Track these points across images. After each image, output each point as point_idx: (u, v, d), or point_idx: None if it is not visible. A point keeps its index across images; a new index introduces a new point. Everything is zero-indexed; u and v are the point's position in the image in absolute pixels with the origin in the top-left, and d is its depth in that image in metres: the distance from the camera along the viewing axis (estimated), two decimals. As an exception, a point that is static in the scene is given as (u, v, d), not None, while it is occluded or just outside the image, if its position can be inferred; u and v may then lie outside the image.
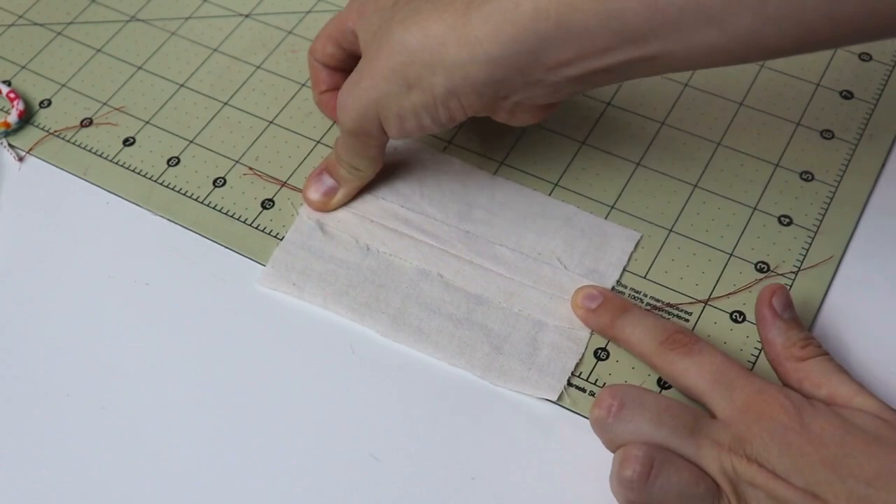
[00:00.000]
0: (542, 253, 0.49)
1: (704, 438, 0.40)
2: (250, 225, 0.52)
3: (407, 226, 0.51)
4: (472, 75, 0.43)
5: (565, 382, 0.46)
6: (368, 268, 0.49)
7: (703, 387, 0.42)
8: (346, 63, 0.52)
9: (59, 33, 0.61)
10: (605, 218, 0.51)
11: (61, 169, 0.55)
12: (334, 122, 0.55)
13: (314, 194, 0.51)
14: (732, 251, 0.50)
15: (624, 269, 0.49)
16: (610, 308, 0.46)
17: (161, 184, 0.54)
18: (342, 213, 0.51)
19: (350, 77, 0.47)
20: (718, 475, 0.39)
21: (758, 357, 0.46)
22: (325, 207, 0.51)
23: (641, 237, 0.50)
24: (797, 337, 0.43)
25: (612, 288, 0.49)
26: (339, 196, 0.51)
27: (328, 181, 0.51)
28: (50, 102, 0.58)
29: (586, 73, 0.43)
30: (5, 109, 0.58)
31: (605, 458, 0.43)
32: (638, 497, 0.39)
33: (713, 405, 0.41)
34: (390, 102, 0.45)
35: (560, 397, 0.45)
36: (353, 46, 0.50)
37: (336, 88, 0.53)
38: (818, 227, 0.50)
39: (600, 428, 0.41)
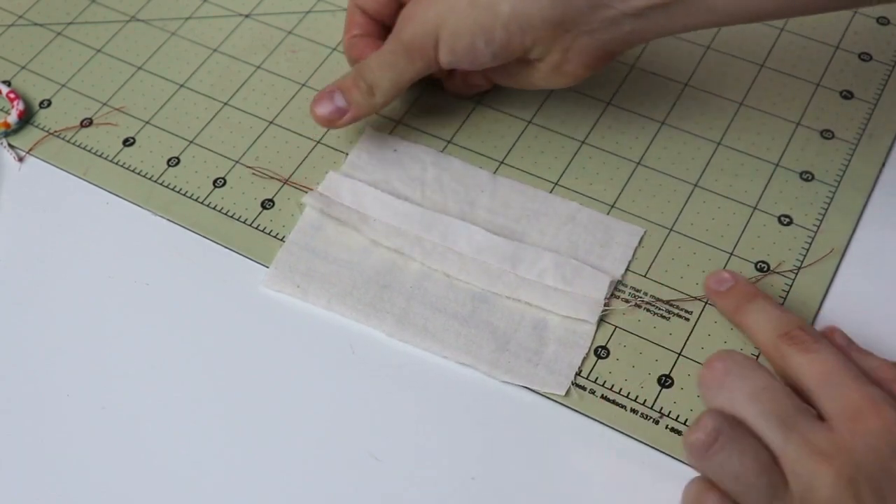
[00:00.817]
0: (545, 250, 0.49)
1: (796, 434, 0.36)
2: (250, 225, 0.52)
3: (409, 224, 0.51)
4: None
5: (573, 378, 0.46)
6: (372, 268, 0.49)
7: (810, 385, 0.39)
8: (387, 9, 0.52)
9: (59, 33, 0.61)
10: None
11: (61, 169, 0.55)
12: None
13: (322, 110, 0.51)
14: (732, 250, 0.50)
15: (629, 265, 0.49)
16: (738, 293, 0.46)
17: (161, 184, 0.54)
18: (344, 213, 0.51)
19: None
20: (794, 477, 0.36)
21: (757, 357, 0.46)
22: (330, 125, 0.51)
23: (645, 232, 0.50)
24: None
25: (617, 284, 0.49)
26: (346, 119, 0.51)
27: (339, 101, 0.50)
28: (50, 102, 0.58)
29: (650, 5, 0.44)
30: (5, 109, 0.58)
31: (605, 458, 0.43)
32: (697, 464, 0.38)
33: (819, 405, 0.38)
34: (451, 18, 0.46)
35: (567, 393, 0.45)
36: None
37: (370, 36, 0.53)
38: (818, 227, 0.50)
39: (704, 389, 0.40)
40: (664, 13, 0.45)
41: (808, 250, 0.50)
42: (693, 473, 0.40)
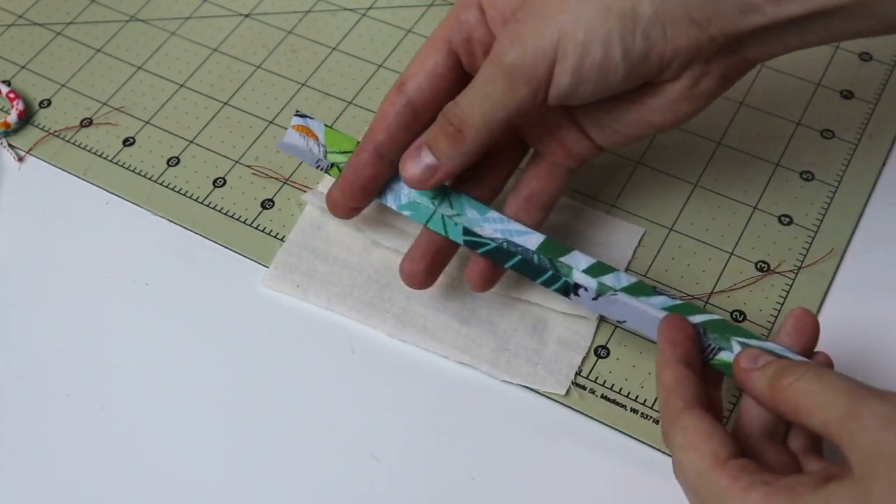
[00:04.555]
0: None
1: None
2: (250, 225, 0.52)
3: (409, 224, 0.51)
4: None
5: (573, 377, 0.46)
6: (372, 268, 0.49)
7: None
8: (440, 86, 0.43)
9: (59, 33, 0.61)
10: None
11: (61, 169, 0.55)
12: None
13: (412, 170, 0.43)
14: (733, 250, 0.50)
15: (628, 265, 0.49)
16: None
17: (161, 184, 0.54)
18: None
19: (517, 16, 0.40)
20: None
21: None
22: (425, 186, 0.43)
23: (645, 232, 0.50)
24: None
25: None
26: (438, 177, 0.43)
27: (427, 157, 0.43)
28: (50, 102, 0.58)
29: (805, 13, 0.38)
30: (5, 109, 0.58)
31: (605, 458, 0.43)
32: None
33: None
34: (579, 29, 0.39)
35: (567, 392, 0.45)
36: (471, 34, 0.42)
37: (410, 141, 0.44)
38: (818, 227, 0.50)
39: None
40: (822, 22, 0.39)
41: (808, 250, 0.50)
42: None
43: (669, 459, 0.43)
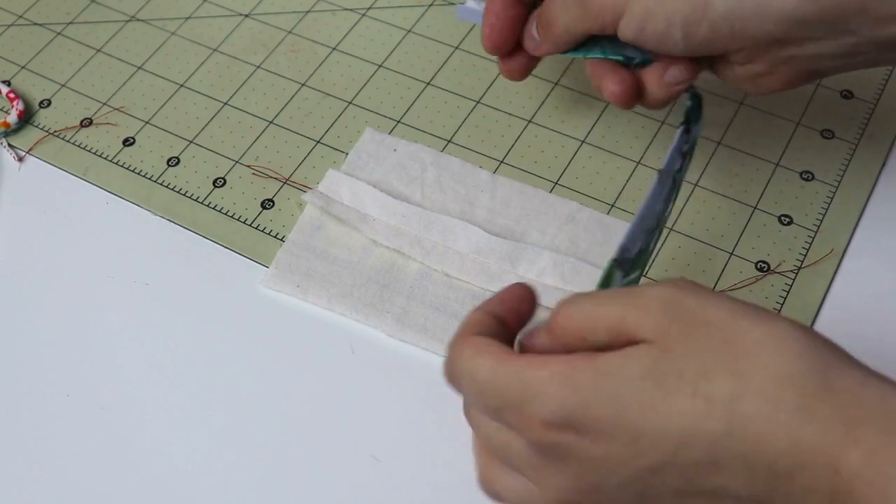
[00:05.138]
0: (545, 249, 0.49)
1: None
2: (250, 225, 0.52)
3: (408, 224, 0.51)
4: (772, 2, 0.38)
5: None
6: (372, 268, 0.49)
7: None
8: None
9: (59, 33, 0.61)
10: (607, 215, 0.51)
11: (61, 169, 0.55)
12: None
13: (525, 38, 0.47)
14: (733, 250, 0.50)
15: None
16: None
17: (161, 184, 0.54)
18: (344, 212, 0.51)
19: None
20: None
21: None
22: (534, 53, 0.47)
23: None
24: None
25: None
26: (543, 50, 0.47)
27: (533, 31, 0.46)
28: (50, 102, 0.58)
29: None
30: (5, 109, 0.58)
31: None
32: None
33: None
34: None
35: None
36: None
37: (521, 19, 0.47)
38: (818, 227, 0.50)
39: None
40: None
41: (808, 250, 0.50)
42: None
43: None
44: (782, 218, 0.51)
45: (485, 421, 0.37)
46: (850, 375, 0.32)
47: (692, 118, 0.44)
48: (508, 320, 0.38)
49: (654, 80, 0.44)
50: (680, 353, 0.32)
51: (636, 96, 0.45)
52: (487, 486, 0.38)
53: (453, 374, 0.37)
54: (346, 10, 0.62)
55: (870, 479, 0.30)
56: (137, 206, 0.53)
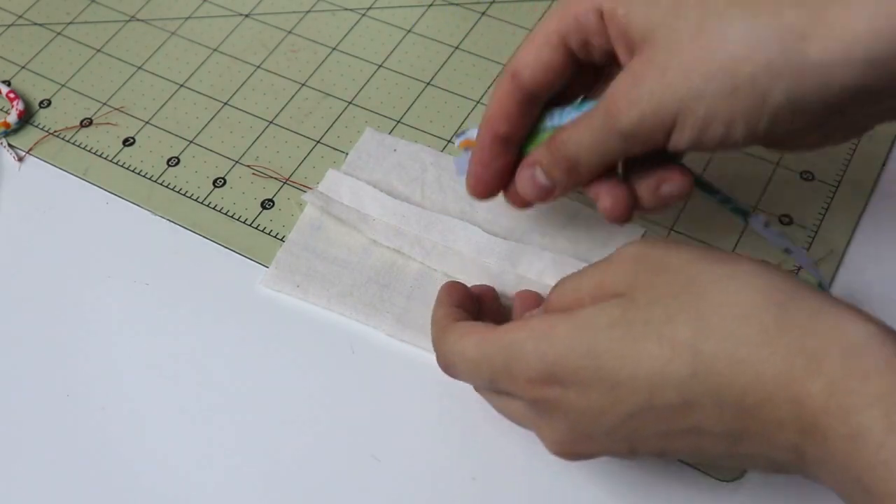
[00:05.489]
0: (545, 249, 0.49)
1: None
2: (250, 225, 0.52)
3: (408, 224, 0.51)
4: (834, 80, 0.36)
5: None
6: (372, 268, 0.49)
7: None
8: (557, 78, 0.42)
9: (58, 33, 0.61)
10: (606, 217, 0.51)
11: (61, 169, 0.55)
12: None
13: (527, 189, 0.43)
14: (734, 250, 0.50)
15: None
16: None
17: (161, 184, 0.54)
18: (344, 212, 0.51)
19: (636, 69, 0.38)
20: None
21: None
22: (542, 202, 0.44)
23: (645, 232, 0.50)
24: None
25: None
26: (554, 197, 0.43)
27: (541, 179, 0.42)
28: (50, 102, 0.58)
29: None
30: (5, 109, 0.58)
31: (605, 460, 0.43)
32: None
33: None
34: (700, 104, 0.37)
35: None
36: (588, 38, 0.40)
37: (528, 124, 0.43)
38: (818, 227, 0.50)
39: None
40: None
41: (807, 250, 0.50)
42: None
43: (669, 461, 0.43)
44: (782, 218, 0.51)
45: (488, 394, 0.41)
46: (809, 307, 0.33)
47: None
48: (466, 305, 0.42)
49: (649, 192, 0.42)
50: (646, 300, 0.34)
51: (631, 209, 0.42)
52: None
53: (447, 364, 0.40)
54: (346, 10, 0.62)
55: (831, 411, 0.31)
56: (137, 206, 0.53)
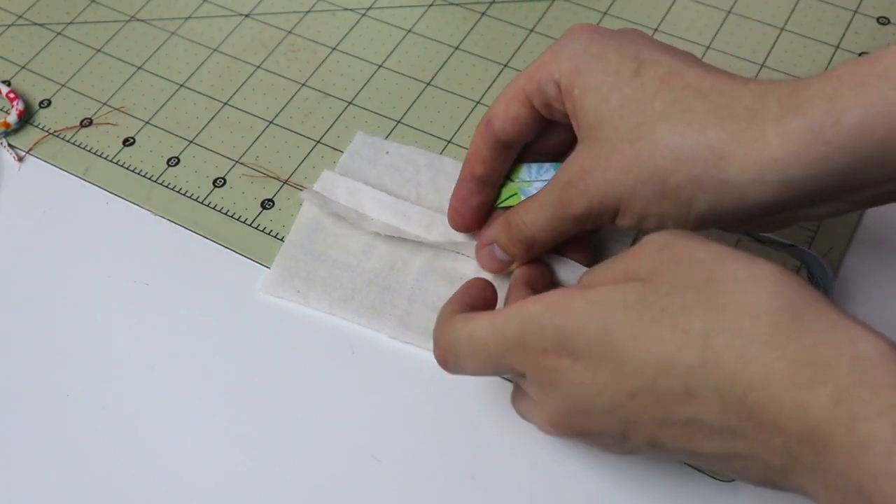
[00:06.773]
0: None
1: None
2: (250, 225, 0.52)
3: (408, 224, 0.50)
4: (750, 197, 0.38)
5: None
6: (372, 270, 0.49)
7: None
8: (525, 130, 0.45)
9: (58, 33, 0.61)
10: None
11: (61, 169, 0.55)
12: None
13: (489, 264, 0.47)
14: (735, 246, 0.50)
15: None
16: None
17: (161, 184, 0.54)
18: (342, 210, 0.51)
19: (584, 162, 0.42)
20: None
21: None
22: (501, 272, 0.48)
23: (638, 232, 0.50)
24: None
25: None
26: (514, 266, 0.47)
27: (500, 254, 0.46)
28: (50, 102, 0.58)
29: (891, 191, 0.39)
30: (5, 109, 0.58)
31: (605, 460, 0.43)
32: None
33: None
34: (637, 203, 0.40)
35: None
36: (549, 102, 0.44)
37: (505, 167, 0.47)
38: (818, 227, 0.50)
39: None
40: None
41: (808, 250, 0.49)
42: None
43: (669, 462, 0.43)
44: (782, 218, 0.51)
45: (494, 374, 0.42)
46: (823, 317, 0.33)
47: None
48: (478, 308, 0.41)
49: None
50: (666, 288, 0.35)
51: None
52: (515, 407, 0.42)
53: (449, 353, 0.40)
54: (346, 10, 0.62)
55: (837, 418, 0.31)
56: (137, 206, 0.53)
